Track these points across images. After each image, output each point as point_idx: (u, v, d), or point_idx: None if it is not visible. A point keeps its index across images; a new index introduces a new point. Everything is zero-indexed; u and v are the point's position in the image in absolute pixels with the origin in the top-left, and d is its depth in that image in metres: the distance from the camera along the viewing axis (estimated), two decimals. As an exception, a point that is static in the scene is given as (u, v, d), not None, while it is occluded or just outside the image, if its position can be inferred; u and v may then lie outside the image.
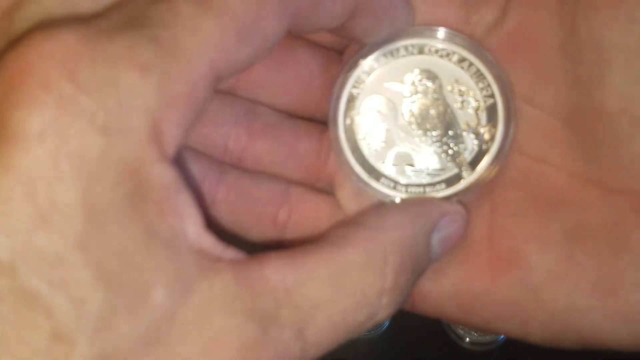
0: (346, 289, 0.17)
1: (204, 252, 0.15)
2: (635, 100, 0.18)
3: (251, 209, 0.21)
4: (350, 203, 0.21)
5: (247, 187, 0.21)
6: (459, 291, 0.20)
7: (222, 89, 0.21)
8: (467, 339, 0.44)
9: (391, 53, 0.21)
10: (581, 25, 0.19)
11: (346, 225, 0.19)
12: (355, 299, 0.17)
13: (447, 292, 0.20)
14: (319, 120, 0.22)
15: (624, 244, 0.19)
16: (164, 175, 0.15)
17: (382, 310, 0.18)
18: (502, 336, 0.43)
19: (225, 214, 0.21)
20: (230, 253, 0.16)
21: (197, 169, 0.20)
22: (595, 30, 0.18)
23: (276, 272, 0.16)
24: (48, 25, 0.14)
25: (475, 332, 0.43)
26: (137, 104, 0.14)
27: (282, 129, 0.21)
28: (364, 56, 0.21)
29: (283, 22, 0.16)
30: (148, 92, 0.14)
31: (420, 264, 0.19)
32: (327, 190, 0.22)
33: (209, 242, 0.16)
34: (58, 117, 0.14)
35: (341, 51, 0.22)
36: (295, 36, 0.21)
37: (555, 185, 0.20)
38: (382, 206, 0.21)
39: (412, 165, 0.21)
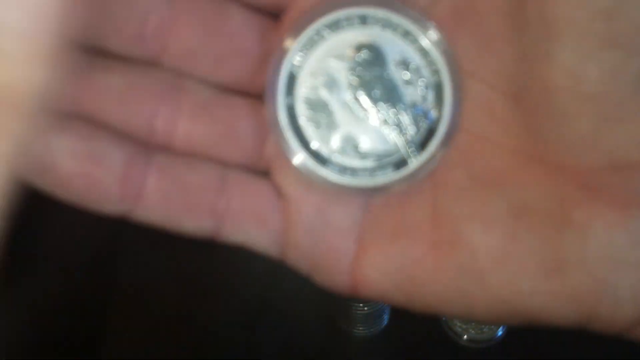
0: None
1: None
2: (583, 78, 0.17)
3: (185, 197, 0.20)
4: (292, 189, 0.20)
5: (180, 173, 0.19)
6: (402, 276, 0.19)
7: (144, 59, 0.19)
8: (465, 336, 0.43)
9: (331, 24, 0.20)
10: None
11: None
12: None
13: (389, 277, 0.19)
14: (256, 96, 0.20)
15: (567, 221, 0.18)
16: None
17: None
18: (500, 333, 0.42)
19: (155, 205, 0.19)
20: None
21: (118, 153, 0.19)
22: (543, 3, 0.17)
23: None
24: None
25: (473, 330, 0.43)
26: None
27: (216, 106, 0.20)
28: (303, 28, 0.20)
29: None
30: None
31: None
32: (266, 173, 0.21)
33: None
34: None
35: (277, 15, 0.20)
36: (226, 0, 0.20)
37: (498, 163, 0.19)
38: None
39: (358, 148, 0.20)
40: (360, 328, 0.40)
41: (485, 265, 0.19)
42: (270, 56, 0.20)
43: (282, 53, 0.20)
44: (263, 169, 0.21)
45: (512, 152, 0.19)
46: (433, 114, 0.20)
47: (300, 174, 0.20)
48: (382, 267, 0.19)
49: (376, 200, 0.20)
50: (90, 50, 0.19)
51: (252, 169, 0.20)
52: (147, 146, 0.19)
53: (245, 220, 0.20)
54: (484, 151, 0.19)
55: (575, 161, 0.18)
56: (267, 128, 0.20)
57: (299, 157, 0.20)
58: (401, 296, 0.19)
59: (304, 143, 0.20)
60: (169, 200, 0.19)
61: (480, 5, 0.19)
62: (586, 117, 0.18)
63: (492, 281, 0.19)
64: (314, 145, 0.20)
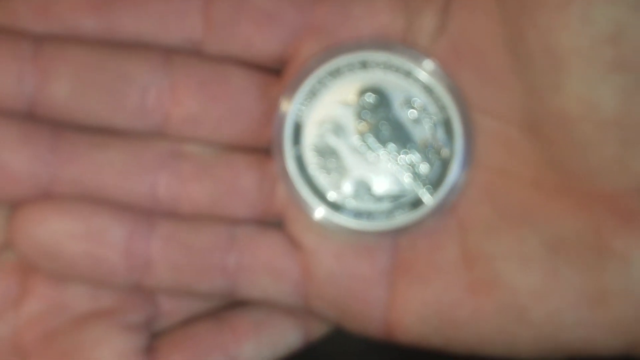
0: None
1: None
2: (597, 104, 0.17)
3: (194, 261, 0.20)
4: (308, 239, 0.20)
5: (186, 238, 0.19)
6: (440, 320, 0.19)
7: (146, 131, 0.20)
8: None
9: (333, 72, 0.20)
10: (529, 29, 0.18)
11: None
12: None
13: (427, 321, 0.19)
14: (259, 149, 0.20)
15: (606, 250, 0.18)
16: None
17: None
18: None
19: (164, 273, 0.19)
20: None
21: (119, 228, 0.19)
22: (545, 34, 0.17)
23: None
24: None
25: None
26: None
27: (218, 166, 0.20)
28: (305, 77, 0.20)
29: None
30: None
31: None
32: (278, 224, 0.20)
33: None
34: None
35: (278, 70, 0.20)
36: (228, 59, 0.20)
37: (523, 197, 0.19)
38: None
39: (371, 191, 0.20)
40: None
41: (527, 303, 0.18)
42: (273, 109, 0.20)
43: (286, 104, 0.20)
44: (273, 219, 0.20)
45: (535, 184, 0.19)
46: (444, 150, 0.20)
47: (315, 223, 0.20)
48: (419, 312, 0.19)
49: (403, 245, 0.20)
50: (90, 129, 0.19)
51: (261, 222, 0.20)
52: (151, 215, 0.20)
53: (260, 276, 0.20)
54: (507, 186, 0.19)
55: (603, 188, 0.18)
56: (273, 180, 0.20)
57: (312, 207, 0.20)
58: (440, 339, 0.19)
59: (316, 191, 0.20)
60: (177, 267, 0.19)
61: (479, 41, 0.19)
62: (608, 142, 0.18)
63: (535, 318, 0.18)
64: (326, 192, 0.20)
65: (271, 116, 0.20)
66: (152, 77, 0.19)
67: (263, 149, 0.20)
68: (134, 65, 0.19)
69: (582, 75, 0.17)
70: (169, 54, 0.20)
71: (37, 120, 0.19)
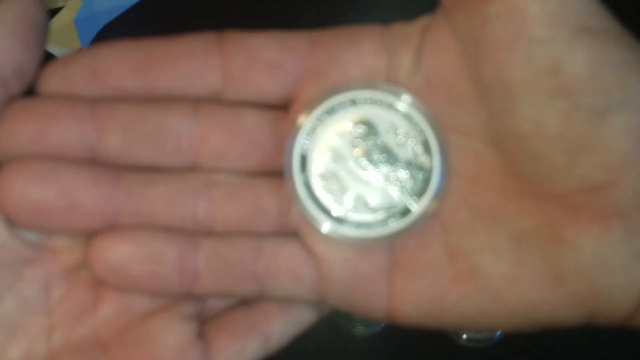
0: None
1: None
2: (544, 123, 0.19)
3: (231, 271, 0.22)
4: (320, 249, 0.22)
5: (224, 253, 0.22)
6: (432, 307, 0.21)
7: (182, 167, 0.22)
8: (464, 335, 0.43)
9: (329, 110, 0.23)
10: (485, 65, 0.20)
11: None
12: None
13: (421, 308, 0.22)
14: (275, 173, 0.23)
15: (560, 240, 0.20)
16: None
17: None
18: (498, 333, 0.42)
19: (209, 283, 0.22)
20: None
21: (172, 249, 0.21)
22: (498, 69, 0.19)
23: None
24: None
25: (472, 330, 0.42)
26: None
27: (244, 190, 0.22)
28: (307, 116, 0.23)
29: None
30: None
31: None
32: (295, 235, 0.23)
33: None
34: None
35: (285, 106, 0.23)
36: (243, 104, 0.22)
37: (492, 200, 0.21)
38: None
39: (368, 205, 0.23)
40: (360, 327, 0.41)
41: (501, 287, 0.21)
42: (283, 142, 0.22)
43: (293, 138, 0.23)
44: (290, 231, 0.22)
45: (501, 189, 0.21)
46: (425, 166, 0.22)
47: (323, 235, 0.22)
48: (414, 301, 0.21)
49: (397, 247, 0.22)
50: (141, 168, 0.22)
51: (281, 234, 0.22)
52: (194, 235, 0.22)
53: (284, 280, 0.22)
54: (479, 191, 0.21)
55: (555, 189, 0.20)
56: (289, 200, 0.22)
57: (320, 222, 0.23)
58: (433, 321, 0.22)
59: (322, 209, 0.23)
60: (219, 277, 0.22)
61: (447, 75, 0.22)
62: (555, 153, 0.19)
63: (507, 299, 0.21)
64: (331, 209, 0.22)
65: (282, 146, 0.22)
66: (184, 124, 0.21)
67: (279, 173, 0.22)
68: (169, 116, 0.21)
69: (529, 100, 0.19)
70: (196, 103, 0.22)
71: (100, 164, 0.21)
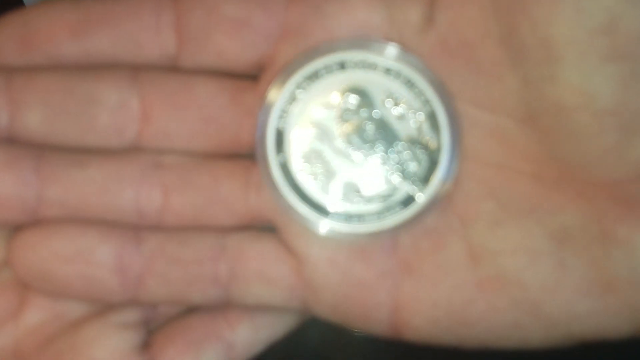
0: None
1: None
2: (593, 94, 0.17)
3: (185, 274, 0.20)
4: (301, 246, 0.20)
5: (174, 251, 0.20)
6: (451, 320, 0.19)
7: (121, 147, 0.20)
8: None
9: (312, 75, 0.20)
10: (522, 22, 0.18)
11: None
12: None
13: (437, 322, 0.19)
14: (240, 155, 0.20)
15: (611, 238, 0.18)
16: None
17: None
18: None
19: (157, 288, 0.20)
20: None
21: (108, 247, 0.19)
22: (539, 26, 0.17)
23: None
24: None
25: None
26: None
27: (199, 175, 0.20)
28: (283, 83, 0.20)
29: None
30: None
31: None
32: (268, 229, 0.20)
33: None
34: None
35: (254, 76, 0.20)
36: (194, 72, 0.20)
37: (525, 190, 0.19)
38: None
39: (360, 193, 0.19)
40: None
41: (539, 297, 0.18)
42: (249, 116, 0.20)
43: (267, 111, 0.20)
44: (264, 223, 0.20)
45: (536, 177, 0.19)
46: (431, 144, 0.19)
47: (305, 229, 0.19)
48: (429, 314, 0.19)
49: (404, 245, 0.19)
50: (66, 148, 0.20)
51: (248, 228, 0.20)
52: (137, 230, 0.20)
53: (253, 283, 0.20)
54: (507, 180, 0.19)
55: (604, 177, 0.18)
56: (259, 186, 0.20)
57: (301, 213, 0.19)
58: (452, 337, 0.19)
59: (304, 197, 0.20)
60: (169, 280, 0.20)
61: (470, 34, 0.18)
62: (606, 132, 0.17)
63: (547, 311, 0.18)
64: (315, 198, 0.19)
65: (246, 122, 0.20)
66: (119, 96, 0.19)
67: (242, 155, 0.20)
68: (101, 87, 0.19)
69: (577, 65, 0.17)
70: (136, 71, 0.20)
71: (18, 144, 0.19)
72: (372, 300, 0.19)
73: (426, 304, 0.19)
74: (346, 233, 0.19)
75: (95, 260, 0.19)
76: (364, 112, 0.19)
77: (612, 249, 0.18)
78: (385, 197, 0.19)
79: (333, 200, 0.19)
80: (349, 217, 0.19)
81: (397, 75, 0.19)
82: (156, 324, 0.21)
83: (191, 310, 0.21)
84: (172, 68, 0.20)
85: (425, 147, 0.19)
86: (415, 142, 0.19)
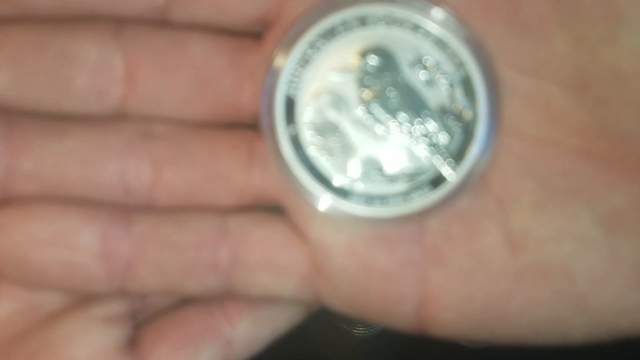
0: None
1: None
2: None
3: (181, 260, 0.18)
4: (315, 231, 0.18)
5: (168, 234, 0.18)
6: (488, 315, 0.18)
7: (105, 114, 0.18)
8: None
9: (327, 33, 0.18)
10: None
11: None
12: None
13: (470, 317, 0.18)
14: (241, 125, 0.19)
15: None
16: None
17: None
18: None
19: (148, 277, 0.18)
20: None
21: (91, 229, 0.18)
22: None
23: None
24: None
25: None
26: None
27: (194, 146, 0.18)
28: (294, 42, 0.18)
29: None
30: None
31: None
32: (274, 209, 0.19)
33: None
34: None
35: (257, 34, 0.18)
36: (187, 28, 0.18)
37: (571, 168, 0.18)
38: None
39: (383, 170, 0.18)
40: (360, 328, 0.39)
41: (586, 289, 0.18)
42: (251, 80, 0.18)
43: (274, 75, 0.18)
44: (270, 203, 0.19)
45: (584, 153, 0.18)
46: (466, 114, 0.17)
47: (321, 213, 0.18)
48: (461, 308, 0.18)
49: (432, 231, 0.18)
50: (50, 116, 0.18)
51: (253, 209, 0.19)
52: (126, 211, 0.18)
53: (259, 272, 0.19)
54: (551, 157, 0.18)
55: None
56: (265, 161, 0.18)
57: (315, 194, 0.18)
58: (485, 334, 0.18)
59: (318, 176, 0.18)
60: (162, 267, 0.18)
61: None
62: None
63: (595, 305, 0.18)
64: (331, 176, 0.18)
65: (248, 87, 0.18)
66: (100, 54, 0.18)
67: (248, 124, 0.19)
68: (79, 43, 0.18)
69: None
70: (120, 24, 0.18)
71: None
72: (395, 293, 0.18)
73: (458, 298, 0.18)
74: (366, 217, 0.18)
75: (77, 244, 0.18)
76: (387, 77, 0.18)
77: None
78: (411, 176, 0.18)
79: (351, 179, 0.18)
80: (369, 199, 0.18)
81: (427, 33, 0.17)
82: (145, 317, 0.20)
83: (185, 301, 0.20)
84: (162, 22, 0.18)
85: (458, 117, 0.18)
86: (446, 112, 0.18)
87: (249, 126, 0.18)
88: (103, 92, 0.18)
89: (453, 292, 0.18)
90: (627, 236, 0.18)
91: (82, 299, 0.19)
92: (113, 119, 0.18)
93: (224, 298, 0.19)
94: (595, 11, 0.17)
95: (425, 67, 0.17)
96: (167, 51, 0.18)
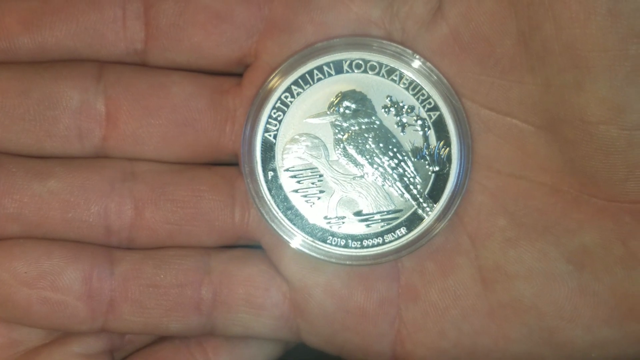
0: None
1: None
2: (624, 108, 0.16)
3: (164, 300, 0.18)
4: (293, 272, 0.18)
5: (151, 274, 0.18)
6: (461, 351, 0.18)
7: (87, 154, 0.18)
8: None
9: (304, 79, 0.18)
10: (544, 20, 0.16)
11: None
12: None
13: (446, 353, 0.18)
14: (222, 163, 0.19)
15: (635, 261, 0.17)
16: None
17: None
18: None
19: (131, 315, 0.18)
20: None
21: (75, 269, 0.18)
22: (565, 28, 0.16)
23: None
24: None
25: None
26: None
27: (177, 187, 0.18)
28: (272, 88, 0.18)
29: None
30: None
31: None
32: (255, 247, 0.19)
33: None
34: None
35: (238, 74, 0.19)
36: (167, 70, 0.18)
37: (541, 205, 0.18)
38: None
39: (360, 212, 0.18)
40: None
41: (556, 325, 0.18)
42: (232, 119, 0.18)
43: (254, 118, 0.18)
44: (250, 243, 0.19)
45: (554, 190, 0.18)
46: (440, 155, 0.18)
47: (298, 252, 0.18)
48: (435, 344, 0.18)
49: (407, 268, 0.18)
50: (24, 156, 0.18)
51: (235, 248, 0.19)
52: (110, 251, 0.18)
53: (240, 310, 0.18)
54: (523, 193, 0.18)
55: (630, 194, 0.17)
56: (245, 200, 0.18)
57: (293, 235, 0.18)
58: None
59: (296, 217, 0.18)
60: (144, 307, 0.18)
61: (485, 29, 0.17)
62: (635, 147, 0.16)
63: (564, 339, 0.18)
64: (308, 217, 0.18)
65: (228, 128, 0.18)
66: (82, 97, 0.18)
67: (229, 164, 0.19)
68: (62, 86, 0.18)
69: (606, 75, 0.16)
70: (101, 69, 0.18)
71: None
72: (372, 331, 0.18)
73: (432, 334, 0.18)
74: (344, 257, 0.18)
75: (61, 284, 0.18)
76: (363, 120, 0.18)
77: (636, 272, 0.17)
78: (387, 216, 0.18)
79: (329, 221, 0.18)
80: (347, 239, 0.18)
81: (400, 77, 0.18)
82: (123, 353, 0.20)
83: (163, 338, 0.20)
84: (141, 65, 0.19)
85: (432, 158, 0.18)
86: (422, 154, 0.18)
87: (229, 164, 0.19)
88: (84, 134, 0.18)
89: (426, 329, 0.18)
90: (595, 273, 0.17)
91: (62, 335, 0.19)
92: (95, 159, 0.18)
93: (202, 336, 0.19)
94: (563, 58, 0.16)
95: (399, 111, 0.18)
96: (148, 93, 0.18)
